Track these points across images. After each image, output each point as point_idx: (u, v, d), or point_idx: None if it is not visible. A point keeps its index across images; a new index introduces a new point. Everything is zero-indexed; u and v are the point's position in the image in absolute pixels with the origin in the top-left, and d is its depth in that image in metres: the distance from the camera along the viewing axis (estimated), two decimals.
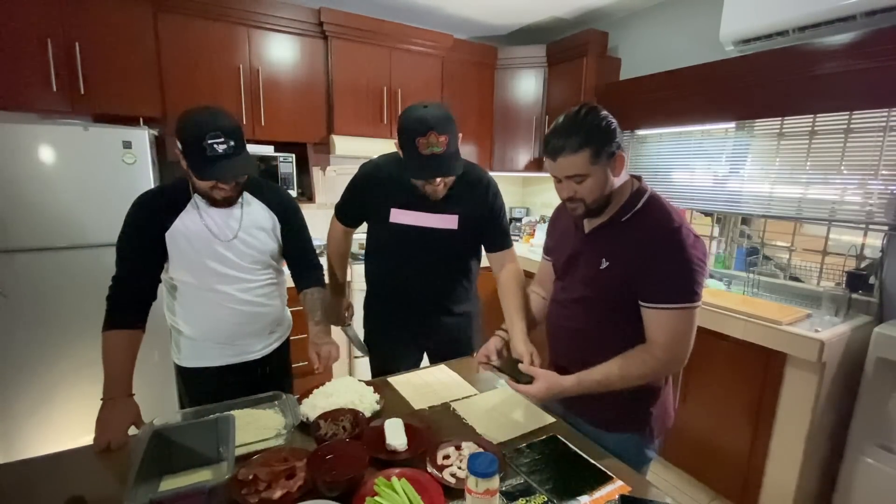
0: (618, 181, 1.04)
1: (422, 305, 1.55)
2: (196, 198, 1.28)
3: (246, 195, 1.35)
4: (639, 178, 1.11)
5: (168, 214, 1.25)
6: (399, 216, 1.42)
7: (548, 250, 1.33)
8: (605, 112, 1.00)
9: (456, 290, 1.58)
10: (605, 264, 1.06)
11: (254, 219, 1.35)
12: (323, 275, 1.53)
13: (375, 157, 1.51)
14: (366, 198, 1.47)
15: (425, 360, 1.69)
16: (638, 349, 1.04)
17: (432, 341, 1.64)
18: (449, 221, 1.43)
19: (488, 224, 1.48)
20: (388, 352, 1.64)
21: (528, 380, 1.07)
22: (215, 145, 1.13)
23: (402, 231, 1.44)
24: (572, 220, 1.16)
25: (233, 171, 1.18)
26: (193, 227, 1.26)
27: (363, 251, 1.61)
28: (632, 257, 1.02)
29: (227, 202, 1.28)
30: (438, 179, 1.31)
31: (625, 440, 1.12)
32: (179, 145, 1.17)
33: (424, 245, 1.45)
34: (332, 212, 1.62)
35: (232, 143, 1.16)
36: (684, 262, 0.98)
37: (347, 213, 1.57)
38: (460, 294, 1.59)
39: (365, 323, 1.67)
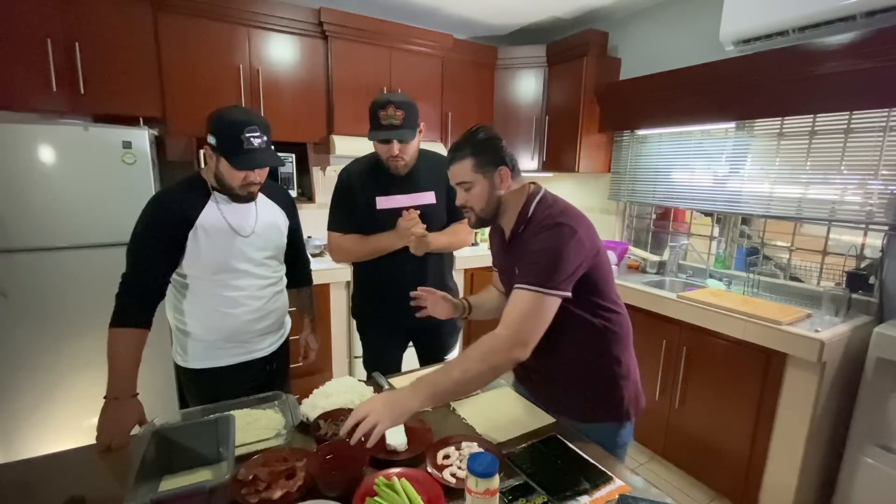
0: (506, 192, 1.14)
1: (411, 287, 1.57)
2: (215, 194, 1.31)
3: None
4: (534, 183, 1.20)
5: (191, 211, 1.27)
6: (384, 202, 1.60)
7: (493, 262, 1.40)
8: (492, 132, 1.14)
9: (440, 268, 1.73)
10: (517, 272, 1.10)
11: (267, 215, 1.41)
12: (311, 271, 1.70)
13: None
14: (351, 197, 1.63)
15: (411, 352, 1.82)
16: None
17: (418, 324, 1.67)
18: (427, 198, 1.64)
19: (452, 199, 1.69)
20: (379, 340, 1.77)
21: None
22: (252, 138, 1.22)
23: (389, 215, 1.58)
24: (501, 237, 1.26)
25: (267, 161, 1.27)
26: (216, 222, 1.29)
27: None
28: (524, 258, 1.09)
29: (250, 197, 1.33)
30: (396, 148, 1.50)
31: (603, 428, 1.18)
32: (213, 139, 1.22)
33: None
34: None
35: (265, 137, 1.26)
36: (551, 252, 1.03)
37: (341, 220, 1.66)
38: (445, 271, 1.75)
39: (355, 312, 1.81)
